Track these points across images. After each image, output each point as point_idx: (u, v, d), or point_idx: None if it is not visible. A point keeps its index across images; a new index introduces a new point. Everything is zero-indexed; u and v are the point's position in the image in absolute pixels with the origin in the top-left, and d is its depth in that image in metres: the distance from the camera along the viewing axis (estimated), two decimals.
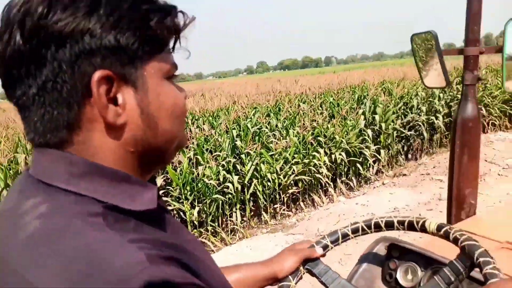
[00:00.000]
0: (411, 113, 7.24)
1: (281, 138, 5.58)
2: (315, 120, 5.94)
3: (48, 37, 0.43)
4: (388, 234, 1.00)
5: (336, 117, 6.17)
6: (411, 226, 0.89)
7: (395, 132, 6.73)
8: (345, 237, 0.93)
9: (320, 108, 6.80)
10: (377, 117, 6.59)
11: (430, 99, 7.70)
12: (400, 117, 7.06)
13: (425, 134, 7.11)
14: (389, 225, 0.91)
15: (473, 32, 1.37)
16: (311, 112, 6.30)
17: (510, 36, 1.29)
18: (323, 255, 0.92)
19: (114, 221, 0.44)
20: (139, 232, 0.45)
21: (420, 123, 7.14)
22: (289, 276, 0.87)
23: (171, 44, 0.52)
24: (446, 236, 0.83)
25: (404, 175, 5.95)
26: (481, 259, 0.74)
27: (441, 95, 7.82)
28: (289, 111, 6.35)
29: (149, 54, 0.49)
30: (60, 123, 0.46)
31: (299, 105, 6.73)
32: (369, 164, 6.18)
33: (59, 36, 0.44)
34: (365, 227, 0.92)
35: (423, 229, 0.87)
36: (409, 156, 7.18)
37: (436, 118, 7.44)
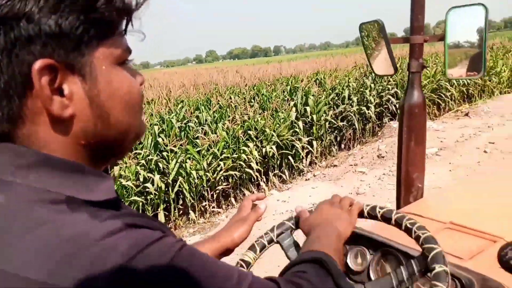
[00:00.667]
0: (343, 104, 7.32)
1: (210, 132, 5.40)
2: (246, 113, 5.80)
3: None
4: None
5: (268, 110, 6.07)
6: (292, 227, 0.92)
7: (327, 123, 6.77)
8: (248, 265, 0.90)
9: (252, 100, 6.67)
10: (308, 108, 6.59)
11: (362, 89, 7.83)
12: (332, 108, 7.11)
13: (356, 124, 7.22)
14: (279, 236, 0.92)
15: (418, 21, 1.41)
16: (243, 104, 6.16)
17: (452, 25, 1.31)
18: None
19: (78, 206, 0.42)
20: (105, 212, 0.43)
21: (352, 114, 7.24)
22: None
23: (122, 27, 0.48)
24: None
25: (335, 166, 6.00)
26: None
27: (372, 85, 7.98)
28: (219, 104, 6.16)
29: (97, 39, 0.44)
30: (0, 116, 0.43)
31: (230, 98, 6.56)
32: (301, 156, 6.16)
33: None
34: (261, 246, 0.93)
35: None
36: (342, 146, 7.27)
37: (368, 108, 7.58)
